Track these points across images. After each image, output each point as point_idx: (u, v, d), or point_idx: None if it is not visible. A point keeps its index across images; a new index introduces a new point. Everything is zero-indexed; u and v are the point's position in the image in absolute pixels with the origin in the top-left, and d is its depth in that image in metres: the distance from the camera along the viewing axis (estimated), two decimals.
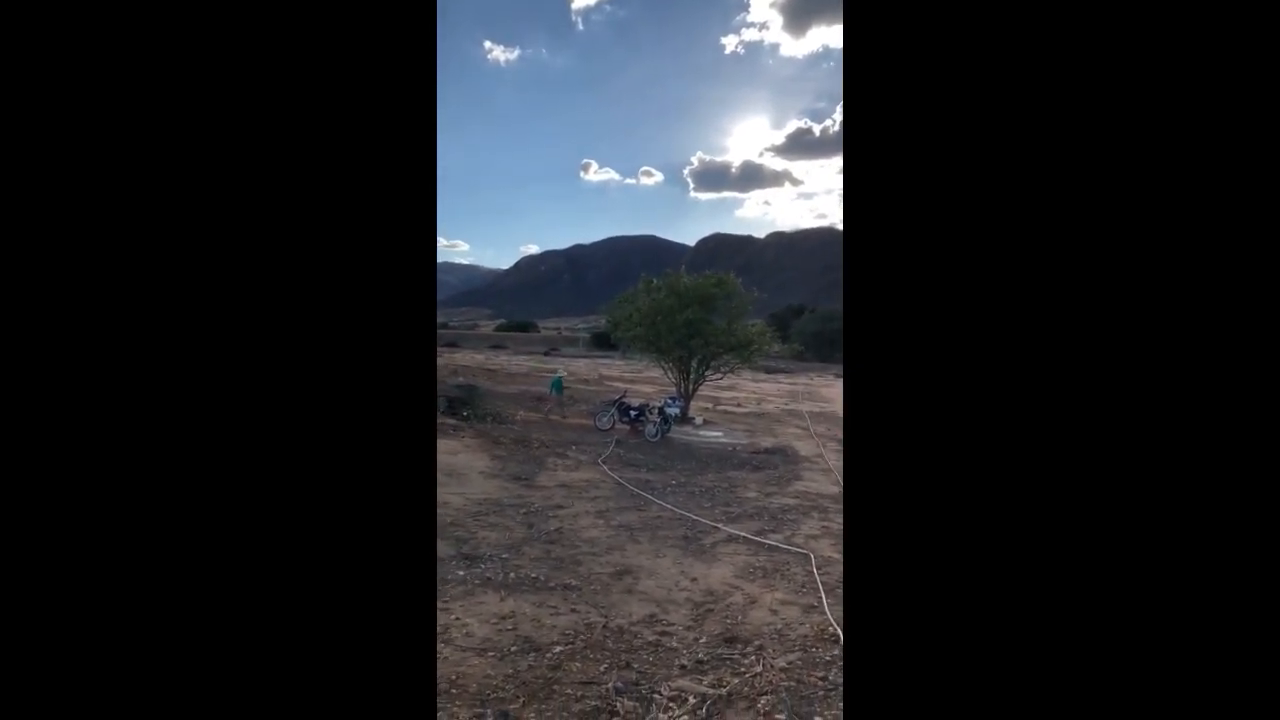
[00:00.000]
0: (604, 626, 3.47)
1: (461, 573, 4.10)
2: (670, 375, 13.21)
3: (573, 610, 3.67)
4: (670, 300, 12.28)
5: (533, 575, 4.17)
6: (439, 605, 3.56)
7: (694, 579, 4.30)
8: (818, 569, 4.54)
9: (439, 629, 3.28)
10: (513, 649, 3.12)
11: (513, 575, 4.14)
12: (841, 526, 5.70)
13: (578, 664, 3.00)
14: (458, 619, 3.42)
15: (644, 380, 18.61)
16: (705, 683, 2.88)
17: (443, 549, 4.50)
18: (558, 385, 12.05)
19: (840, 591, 4.14)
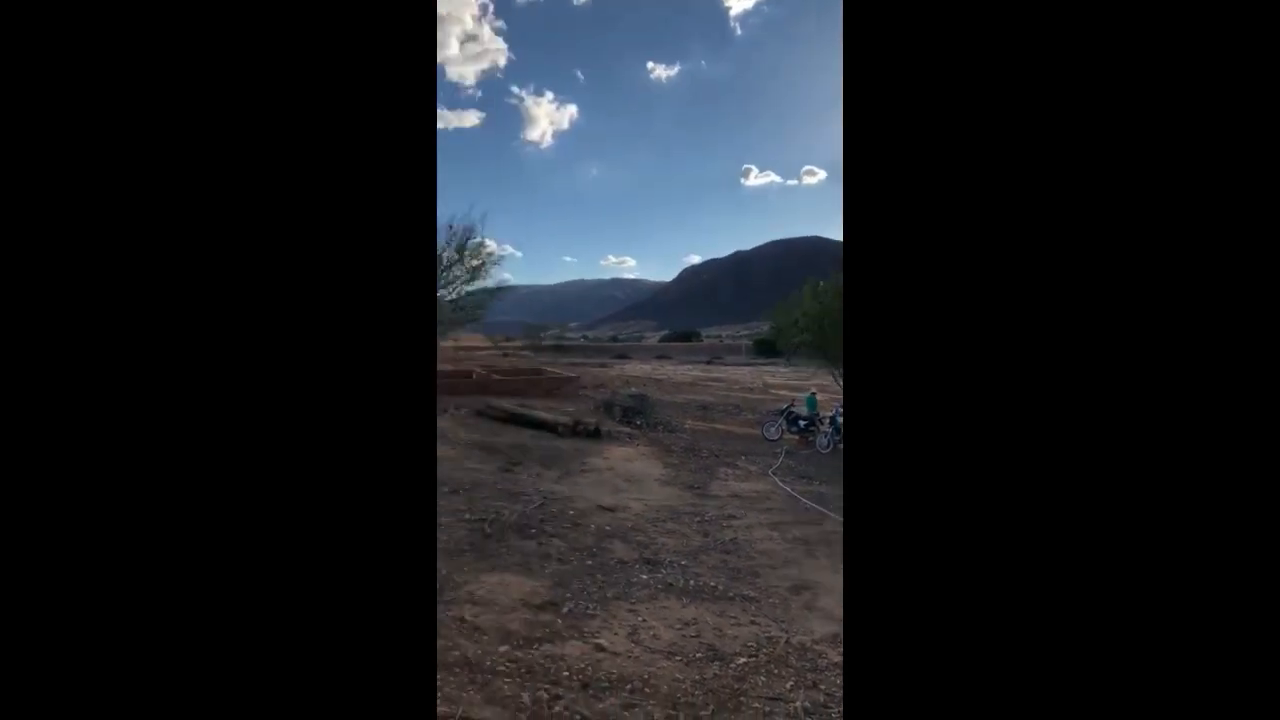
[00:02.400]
0: (786, 642, 3.46)
1: (645, 576, 4.33)
2: (840, 382, 12.63)
3: (753, 622, 3.71)
4: (838, 302, 11.77)
5: (711, 584, 4.28)
6: (627, 607, 3.81)
7: None
8: None
9: (629, 629, 3.51)
10: (698, 655, 3.24)
11: (692, 582, 4.28)
12: None
13: (763, 678, 3.04)
14: (644, 621, 3.62)
15: (811, 388, 17.97)
16: None
17: (626, 552, 4.78)
18: (812, 403, 11.41)
19: None
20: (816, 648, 3.41)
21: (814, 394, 11.93)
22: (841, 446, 9.94)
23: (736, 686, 2.93)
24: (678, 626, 3.59)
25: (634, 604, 3.87)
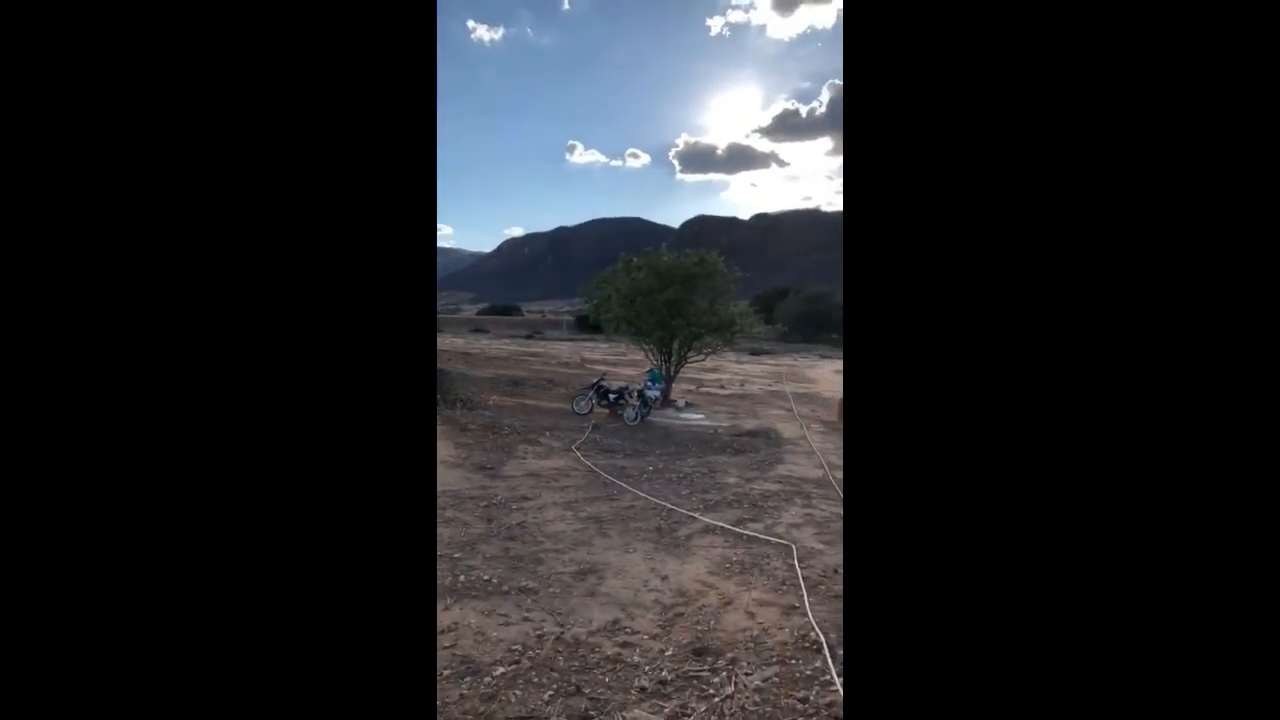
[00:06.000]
0: (557, 639, 3.06)
1: None
2: (652, 357, 12.78)
3: (525, 618, 3.26)
4: (650, 280, 11.79)
5: (485, 578, 3.75)
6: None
7: (665, 577, 3.90)
8: (800, 562, 4.16)
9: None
10: (447, 672, 2.70)
11: (463, 578, 3.72)
12: (824, 514, 5.36)
13: (518, 691, 2.58)
14: None
15: (627, 363, 18.19)
16: (666, 712, 2.48)
17: None
18: (656, 377, 11.19)
19: (822, 589, 3.78)
20: (591, 640, 3.06)
21: (658, 368, 11.86)
22: (647, 418, 9.98)
23: (482, 709, 2.44)
24: None
25: None
